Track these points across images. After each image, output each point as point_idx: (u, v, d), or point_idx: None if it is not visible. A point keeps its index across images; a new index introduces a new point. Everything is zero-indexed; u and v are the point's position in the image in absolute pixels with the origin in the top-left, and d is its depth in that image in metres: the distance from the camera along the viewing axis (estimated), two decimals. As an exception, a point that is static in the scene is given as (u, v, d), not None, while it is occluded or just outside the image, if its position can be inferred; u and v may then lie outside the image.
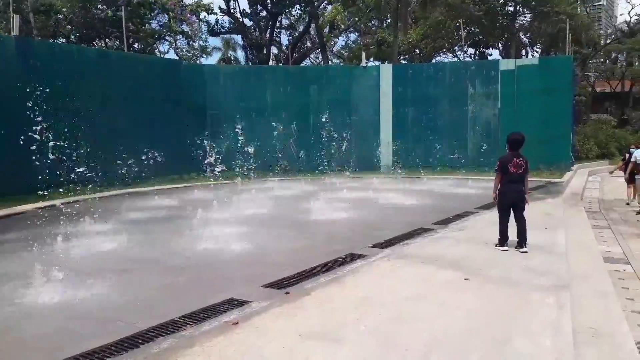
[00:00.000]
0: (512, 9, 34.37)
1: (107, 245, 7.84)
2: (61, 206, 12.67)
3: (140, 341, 4.00)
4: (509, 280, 5.44)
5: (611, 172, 13.80)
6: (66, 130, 15.31)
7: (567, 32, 24.66)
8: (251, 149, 20.53)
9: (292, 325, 4.16)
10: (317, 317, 4.33)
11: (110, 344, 3.97)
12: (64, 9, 23.50)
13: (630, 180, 12.64)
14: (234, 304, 4.80)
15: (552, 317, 4.29)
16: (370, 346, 3.75)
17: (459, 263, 6.17)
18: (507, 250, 6.79)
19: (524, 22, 37.44)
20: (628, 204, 12.97)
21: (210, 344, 3.81)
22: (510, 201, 6.98)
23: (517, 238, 6.88)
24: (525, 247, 6.80)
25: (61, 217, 8.33)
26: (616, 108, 45.91)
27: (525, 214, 7.02)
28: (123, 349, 3.87)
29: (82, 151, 15.80)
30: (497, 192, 7.09)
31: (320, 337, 3.91)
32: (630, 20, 47.81)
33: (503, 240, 6.93)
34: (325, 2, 35.15)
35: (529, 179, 7.17)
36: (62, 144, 15.10)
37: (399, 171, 19.07)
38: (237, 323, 4.22)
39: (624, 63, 48.23)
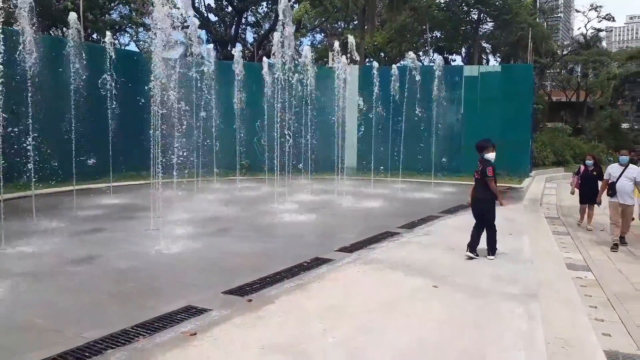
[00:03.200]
0: (475, 16, 35.05)
1: (53, 246, 7.30)
2: (8, 201, 11.92)
3: (87, 354, 3.64)
4: (477, 288, 5.34)
5: (572, 192, 11.80)
6: (16, 121, 14.48)
7: (529, 40, 25.24)
8: (213, 147, 20.07)
9: (254, 336, 3.89)
10: (282, 328, 4.08)
11: (54, 357, 3.59)
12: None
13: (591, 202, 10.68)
14: (191, 312, 4.49)
15: (524, 329, 4.19)
16: (338, 360, 3.53)
17: (427, 269, 6.03)
18: (475, 257, 6.71)
19: (486, 29, 38.25)
20: (589, 228, 10.85)
21: (164, 358, 3.51)
22: (474, 208, 7.04)
23: (486, 245, 6.82)
24: (492, 255, 6.74)
25: (4, 215, 7.74)
26: (571, 117, 47.58)
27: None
28: (67, 364, 3.51)
29: (34, 144, 14.98)
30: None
31: (285, 350, 3.66)
32: (586, 33, 49.66)
33: (471, 246, 6.85)
34: (292, 0, 34.87)
35: (493, 184, 6.82)
36: (11, 135, 14.28)
37: (363, 174, 19.02)
38: (195, 334, 3.92)
39: (579, 74, 50.05)
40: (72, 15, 13.33)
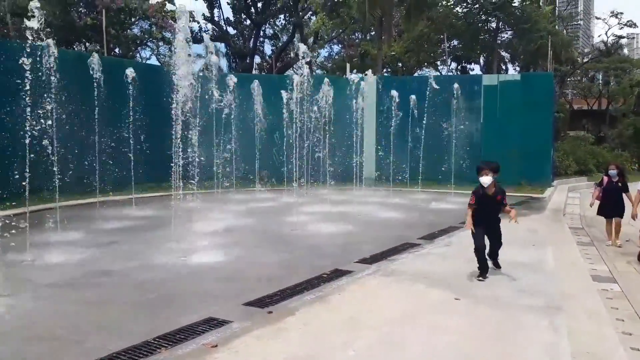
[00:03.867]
0: (494, 25, 34.86)
1: (75, 257, 7.42)
2: (30, 214, 12.12)
3: (109, 366, 3.68)
4: (500, 300, 5.26)
5: (591, 205, 10.70)
6: (40, 134, 14.81)
7: (549, 49, 24.99)
8: (232, 158, 20.21)
9: (275, 348, 3.88)
10: (303, 340, 4.06)
11: (77, 368, 3.64)
12: (43, 11, 22.95)
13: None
14: (212, 324, 4.50)
15: (549, 342, 4.10)
16: (359, 373, 3.50)
17: (448, 281, 5.97)
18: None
19: (505, 38, 37.98)
20: (619, 245, 9.83)
21: (187, 370, 3.52)
22: None
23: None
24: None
25: (29, 226, 7.90)
26: (593, 125, 46.82)
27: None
28: (90, 375, 3.55)
29: (57, 156, 15.28)
30: None
31: (306, 362, 3.65)
32: (607, 40, 48.99)
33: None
34: (310, 12, 35.16)
35: (468, 211, 6.59)
36: (36, 148, 14.61)
37: (382, 184, 18.95)
38: (216, 346, 3.93)
39: (601, 81, 49.29)
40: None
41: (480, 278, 6.19)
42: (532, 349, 3.97)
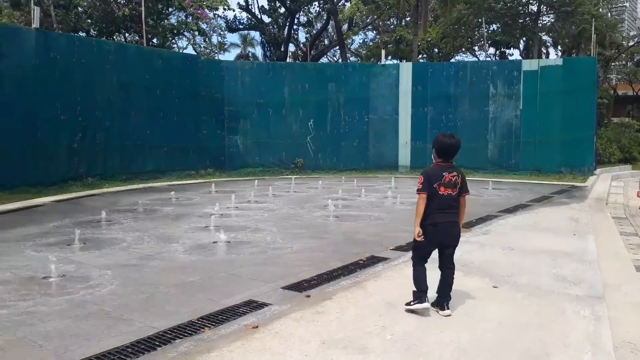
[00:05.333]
0: (535, 8, 33.74)
1: (120, 240, 7.73)
2: (77, 199, 12.67)
3: (157, 343, 3.85)
4: (540, 289, 5.20)
5: None
6: (85, 124, 15.36)
7: (593, 32, 24.08)
8: (268, 146, 20.48)
9: (314, 331, 3.97)
10: (340, 324, 4.14)
11: (127, 345, 3.82)
12: (84, 3, 23.57)
13: None
14: (252, 306, 4.64)
15: (590, 331, 4.05)
16: (397, 357, 3.55)
17: (485, 269, 5.93)
18: (427, 308, 4.38)
19: (546, 22, 36.70)
20: None
21: (229, 349, 3.65)
22: (438, 241, 4.47)
23: (438, 293, 4.52)
24: (448, 308, 4.42)
25: (75, 211, 8.25)
26: (638, 112, 44.97)
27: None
28: (139, 351, 3.72)
29: (100, 145, 15.84)
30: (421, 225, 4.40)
31: (344, 345, 3.72)
32: (655, 22, 46.73)
33: (420, 292, 4.40)
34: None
35: (465, 203, 4.63)
36: (81, 137, 15.20)
37: (418, 172, 18.79)
38: (257, 327, 4.05)
39: (648, 66, 47.14)
40: None
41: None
42: (573, 337, 3.92)
